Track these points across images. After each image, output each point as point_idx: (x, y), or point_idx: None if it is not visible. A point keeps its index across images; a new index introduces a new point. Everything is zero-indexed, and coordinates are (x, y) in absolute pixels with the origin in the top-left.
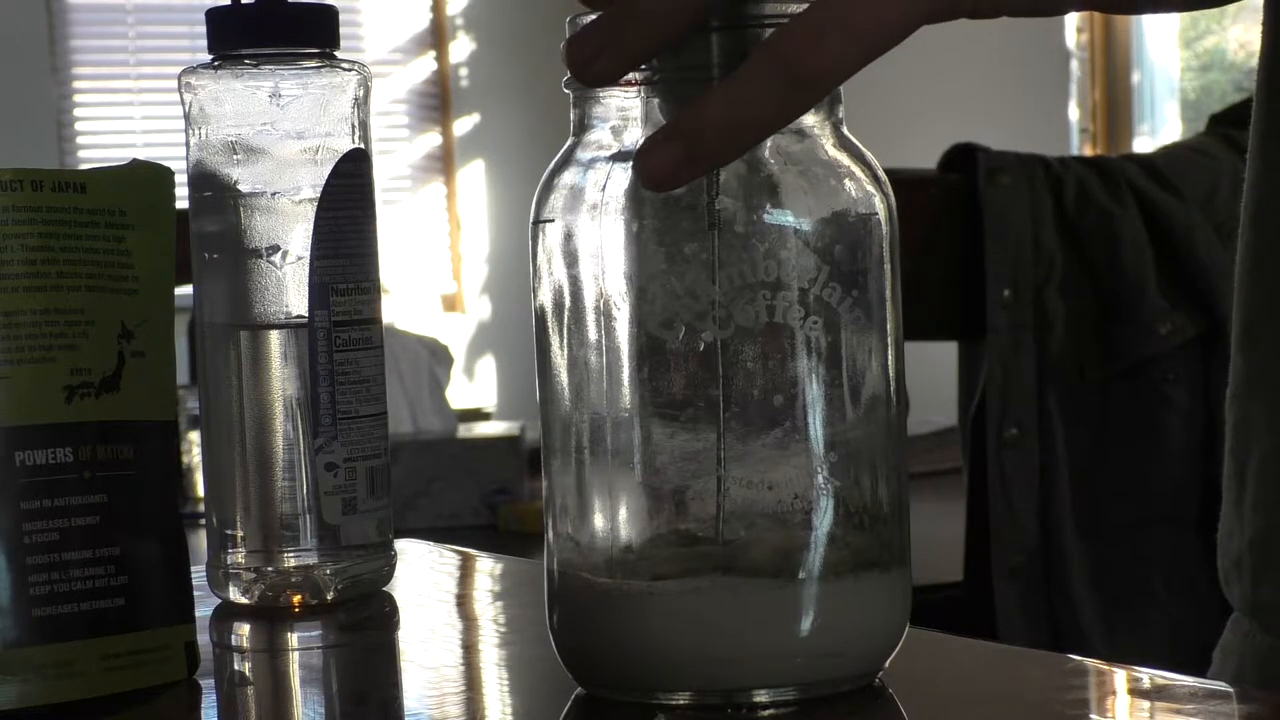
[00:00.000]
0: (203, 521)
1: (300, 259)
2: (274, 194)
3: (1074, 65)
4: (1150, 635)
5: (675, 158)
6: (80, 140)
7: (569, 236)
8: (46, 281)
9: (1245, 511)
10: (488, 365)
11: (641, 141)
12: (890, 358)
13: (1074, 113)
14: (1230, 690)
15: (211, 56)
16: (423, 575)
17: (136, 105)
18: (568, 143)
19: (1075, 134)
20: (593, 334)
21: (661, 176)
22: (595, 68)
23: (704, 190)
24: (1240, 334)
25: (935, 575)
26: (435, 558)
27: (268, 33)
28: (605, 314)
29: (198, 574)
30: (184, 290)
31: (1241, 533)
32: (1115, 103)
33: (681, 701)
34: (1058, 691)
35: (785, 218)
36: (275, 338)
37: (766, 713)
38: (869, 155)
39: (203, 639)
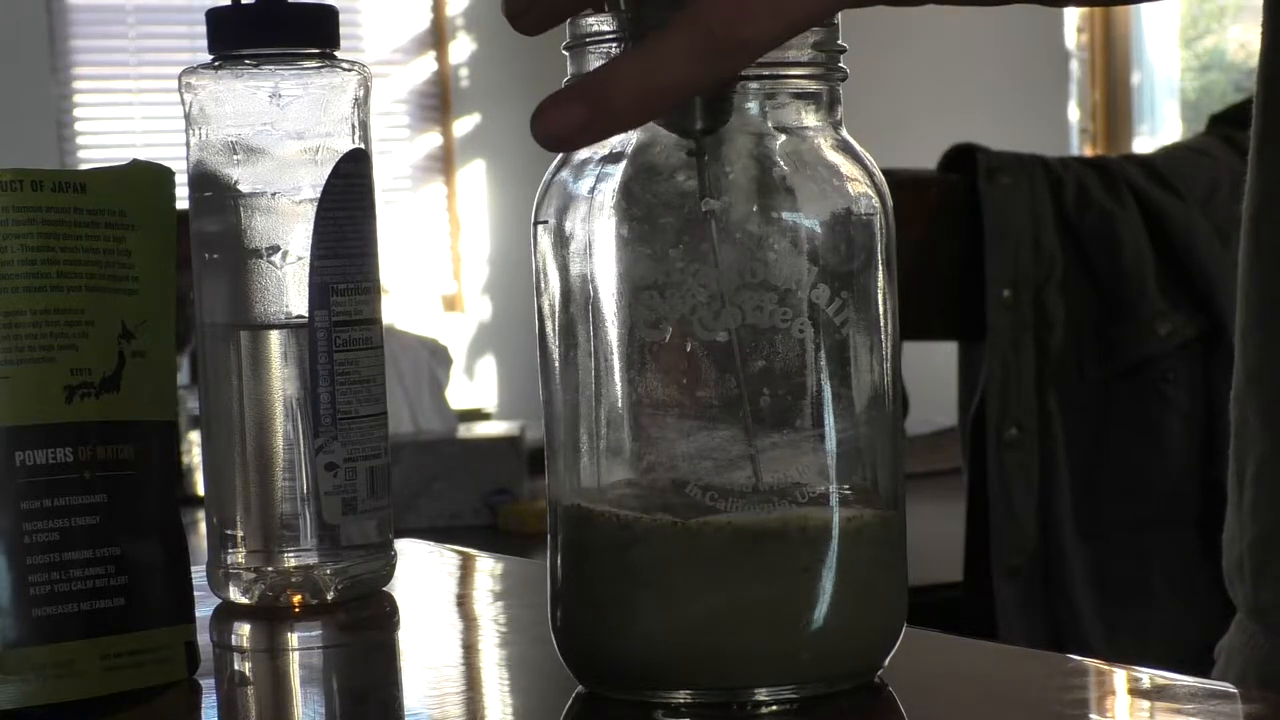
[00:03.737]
0: (203, 521)
1: (300, 259)
2: (274, 194)
3: (1074, 65)
4: (1150, 635)
5: (578, 119)
6: (80, 140)
7: (566, 237)
8: (46, 281)
9: (1245, 514)
10: (488, 365)
11: (544, 99)
12: (888, 358)
13: (1074, 113)
14: (1230, 690)
15: (211, 56)
16: (423, 575)
17: (136, 105)
18: None
19: (1075, 134)
20: (591, 333)
21: (560, 136)
22: (526, 20)
23: (698, 187)
24: (1240, 336)
25: (935, 575)
26: (435, 558)
27: (268, 33)
28: (602, 313)
29: (198, 574)
30: None
31: (1242, 536)
32: (1115, 103)
33: (681, 700)
34: (1058, 691)
35: (782, 219)
36: (275, 338)
37: (767, 710)
38: (867, 157)
39: (203, 639)
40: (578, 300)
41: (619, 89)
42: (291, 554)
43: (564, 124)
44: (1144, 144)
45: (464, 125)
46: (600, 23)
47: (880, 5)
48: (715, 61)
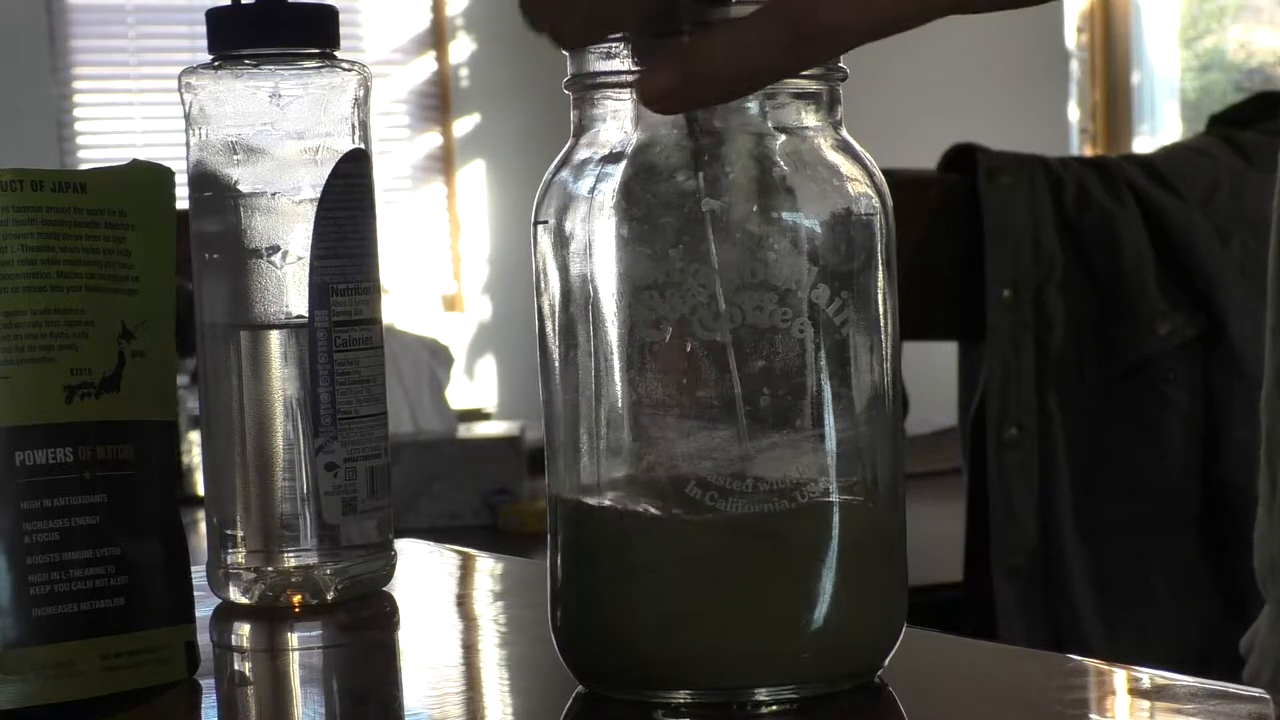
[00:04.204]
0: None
1: (300, 259)
2: (274, 194)
3: (1074, 65)
4: (1150, 635)
5: (669, 84)
6: (80, 140)
7: (566, 237)
8: (46, 281)
9: (1276, 516)
10: (488, 365)
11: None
12: (888, 358)
13: (1074, 113)
14: (1230, 690)
15: (211, 56)
16: (423, 575)
17: (136, 105)
18: (567, 144)
19: (1075, 134)
20: (591, 333)
21: (656, 100)
22: (570, 37)
23: (695, 187)
24: (1270, 335)
25: (935, 575)
26: (435, 558)
27: (268, 33)
28: (602, 313)
29: (198, 574)
30: None
31: (1274, 536)
32: (1115, 103)
33: (681, 700)
34: (1058, 691)
35: (782, 219)
36: (275, 338)
37: (767, 710)
38: (867, 157)
39: (203, 639)
40: (578, 300)
41: (705, 66)
42: (291, 554)
43: (658, 89)
44: (1144, 144)
45: (464, 125)
46: None
47: (991, 10)
48: (800, 49)
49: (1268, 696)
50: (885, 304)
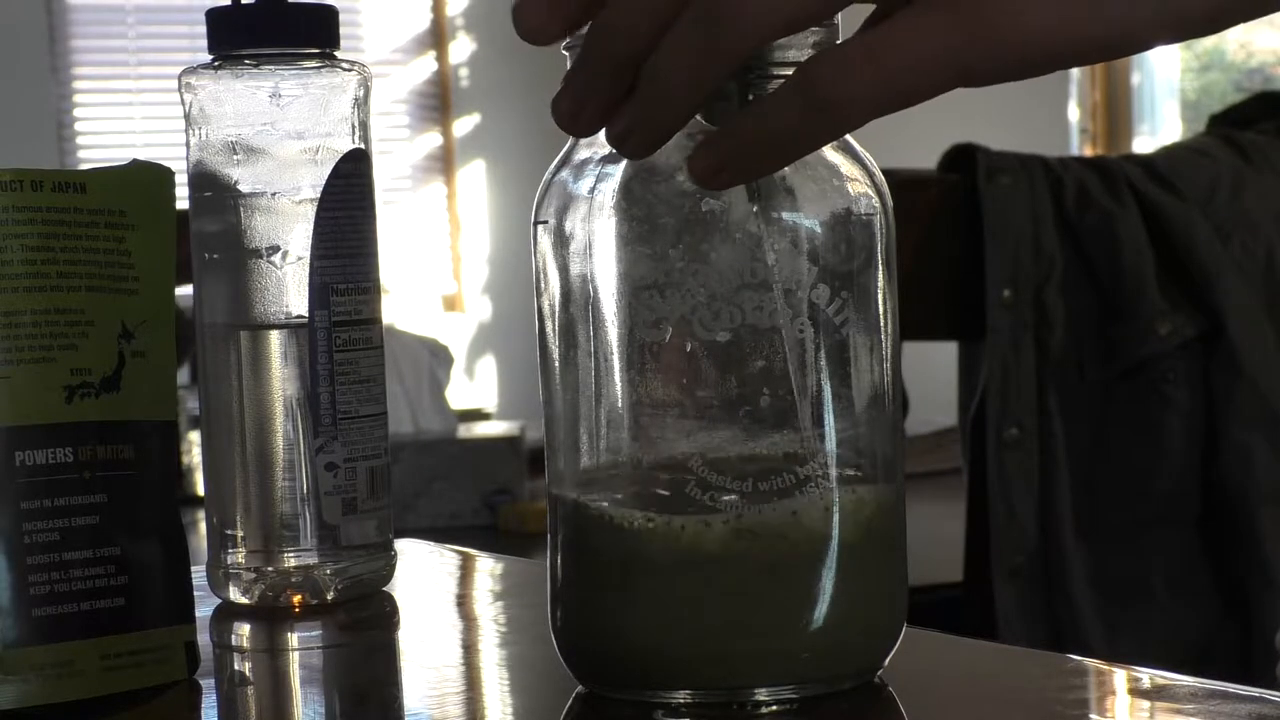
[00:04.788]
0: (203, 521)
1: (300, 259)
2: (274, 194)
3: None
4: (1150, 635)
5: (713, 164)
6: (80, 140)
7: (566, 237)
8: (46, 281)
9: None
10: (488, 365)
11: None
12: (888, 358)
13: (1074, 113)
14: (1230, 690)
15: (211, 56)
16: (423, 575)
17: (136, 105)
18: (567, 144)
19: (1075, 134)
20: (591, 333)
21: (703, 179)
22: (580, 121)
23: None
24: None
25: (935, 575)
26: (435, 558)
27: (268, 33)
28: (602, 313)
29: (198, 574)
30: (184, 290)
31: None
32: (1115, 103)
33: (681, 700)
34: (1058, 691)
35: (782, 219)
36: (275, 338)
37: (767, 710)
38: (867, 157)
39: (203, 639)
40: (578, 300)
41: (739, 140)
42: (291, 554)
43: (704, 168)
44: (1144, 144)
45: (464, 125)
46: None
47: (1014, 80)
48: (815, 116)
49: (1268, 696)
50: (885, 304)
